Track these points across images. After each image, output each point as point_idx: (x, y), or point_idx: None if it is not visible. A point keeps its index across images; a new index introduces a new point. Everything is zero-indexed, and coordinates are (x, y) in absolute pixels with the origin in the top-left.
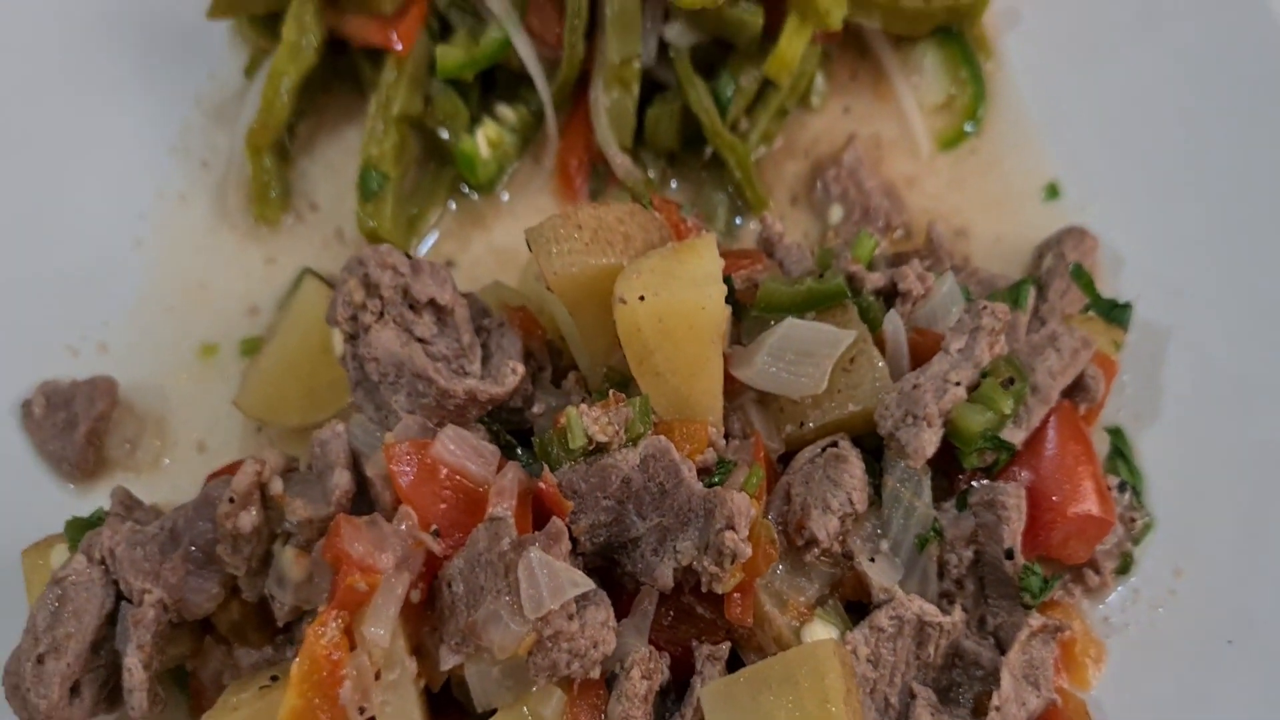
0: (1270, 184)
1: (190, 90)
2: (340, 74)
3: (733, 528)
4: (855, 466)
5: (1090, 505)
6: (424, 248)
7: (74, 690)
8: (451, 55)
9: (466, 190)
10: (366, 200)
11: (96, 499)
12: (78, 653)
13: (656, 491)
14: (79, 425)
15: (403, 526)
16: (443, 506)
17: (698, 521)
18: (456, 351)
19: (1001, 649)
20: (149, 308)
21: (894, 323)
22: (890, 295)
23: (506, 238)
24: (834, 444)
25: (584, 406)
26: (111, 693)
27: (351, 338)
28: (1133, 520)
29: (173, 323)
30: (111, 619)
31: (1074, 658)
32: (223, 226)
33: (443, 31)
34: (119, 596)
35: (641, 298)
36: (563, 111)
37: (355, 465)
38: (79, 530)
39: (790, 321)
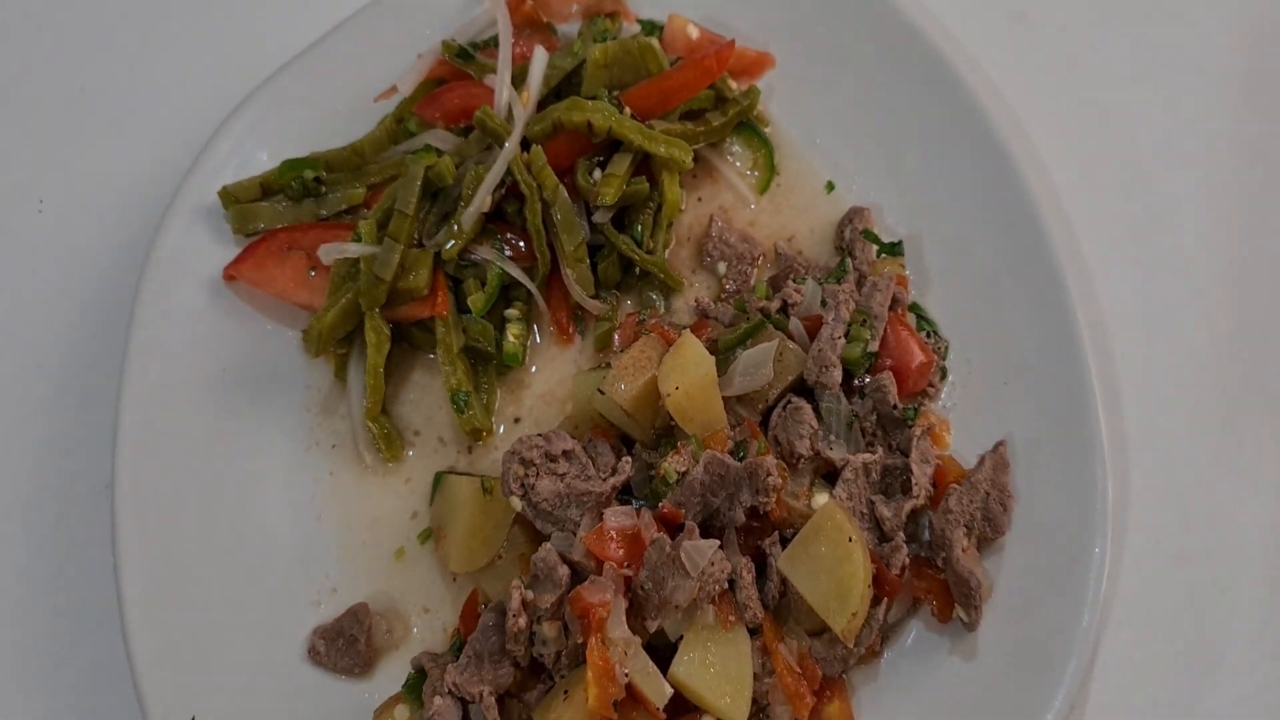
0: (938, 129)
1: (298, 403)
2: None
3: (771, 474)
4: (806, 409)
5: (920, 356)
6: (501, 420)
7: None
8: (479, 300)
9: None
10: (461, 413)
11: (380, 676)
12: None
13: (718, 479)
14: (359, 641)
15: (609, 575)
16: (621, 552)
17: (746, 482)
18: (582, 469)
19: (905, 454)
20: (350, 553)
21: (795, 324)
22: (784, 308)
23: (543, 387)
24: (789, 401)
25: (670, 457)
26: None
27: (524, 496)
28: (938, 348)
29: (369, 552)
30: (465, 713)
31: (937, 436)
32: (367, 476)
33: (454, 284)
34: (464, 704)
35: (677, 387)
36: (543, 290)
37: (564, 560)
38: (413, 689)
39: (744, 354)
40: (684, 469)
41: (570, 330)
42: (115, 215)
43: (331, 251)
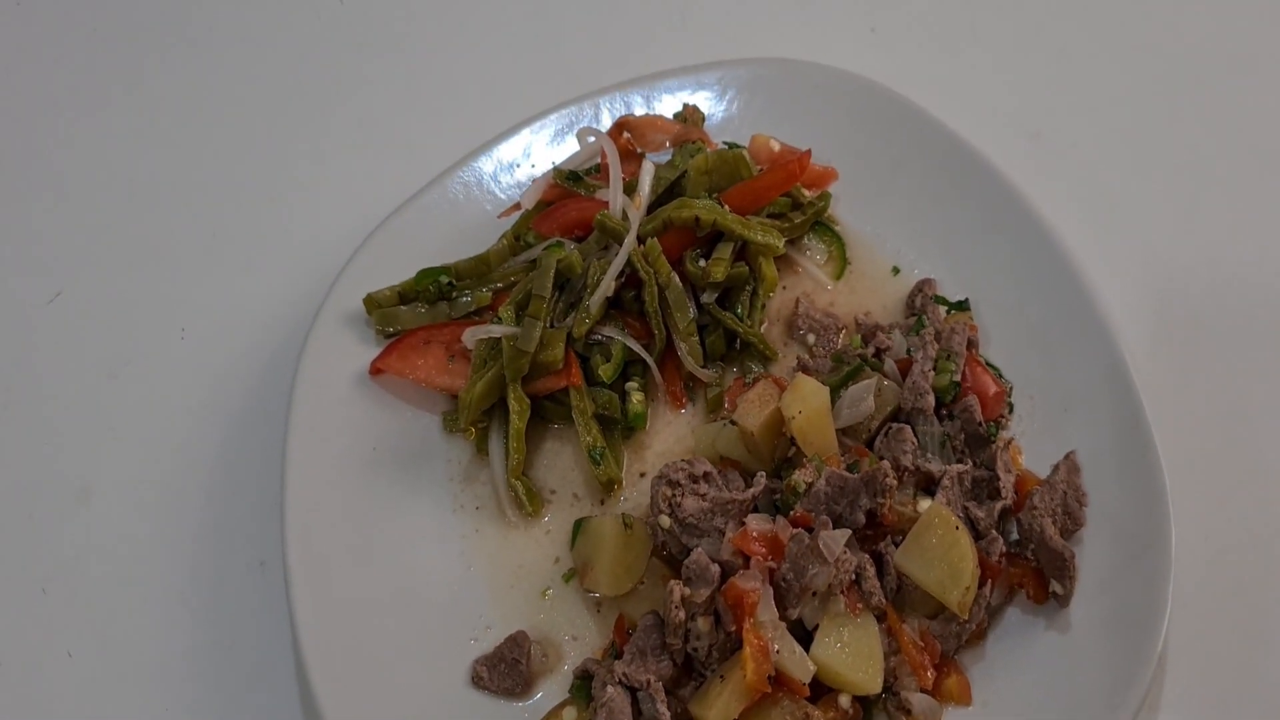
0: (983, 216)
1: (441, 474)
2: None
3: (889, 475)
4: (906, 430)
5: (994, 387)
6: (628, 477)
7: None
8: (609, 369)
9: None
10: (598, 465)
11: (538, 697)
12: None
13: (839, 489)
14: (520, 663)
15: (756, 567)
16: (763, 550)
17: (864, 488)
18: (720, 488)
19: (989, 468)
20: (500, 595)
21: (889, 364)
22: (876, 354)
23: (662, 446)
24: (890, 428)
25: (796, 472)
26: None
27: (671, 514)
28: (1005, 388)
29: (518, 593)
30: (635, 700)
31: (1013, 454)
32: (510, 531)
33: (582, 361)
34: (633, 691)
35: (800, 412)
36: (658, 363)
37: (714, 560)
38: (579, 691)
39: (848, 390)
40: (810, 480)
41: (683, 398)
42: (251, 339)
43: (477, 333)
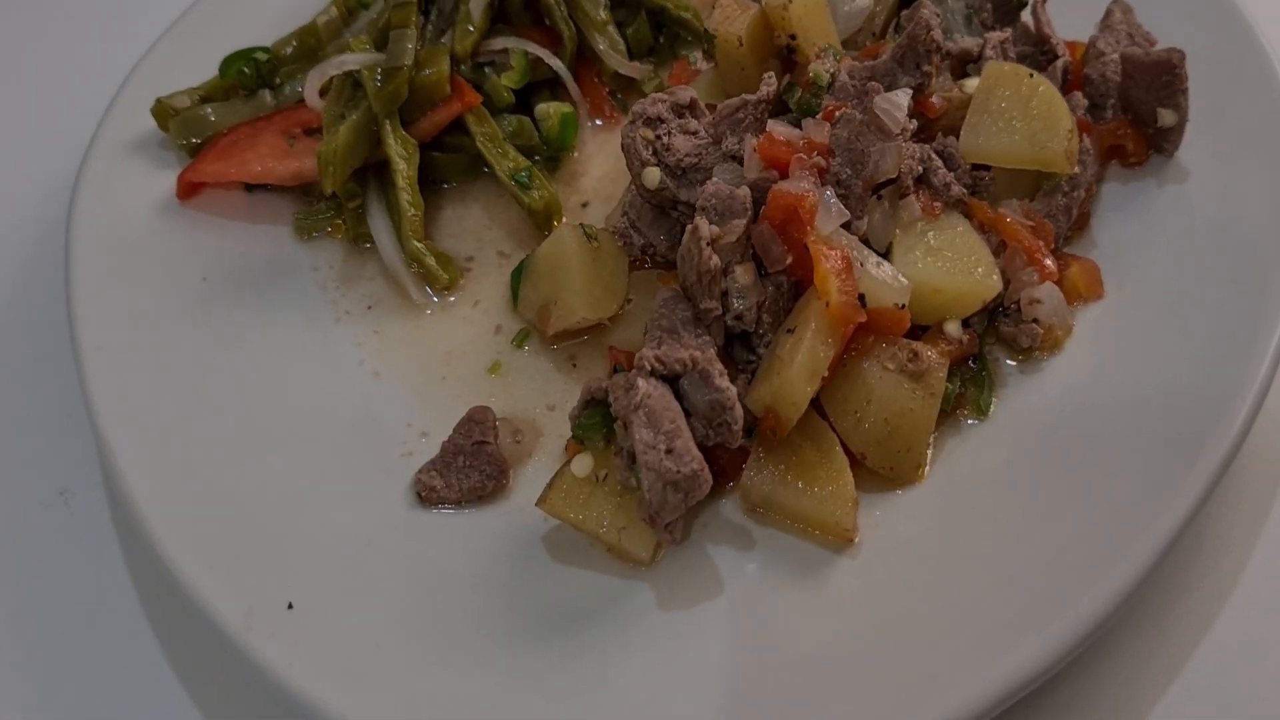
0: None
1: (310, 285)
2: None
3: (932, 28)
4: (925, 7)
5: None
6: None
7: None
8: (512, 76)
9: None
10: (526, 190)
11: (516, 496)
12: (682, 425)
13: (865, 77)
14: (486, 444)
15: (799, 167)
16: (792, 153)
17: (898, 67)
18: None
19: (1033, 41)
20: (430, 393)
21: None
22: None
23: (600, 169)
24: (898, 19)
25: (812, 64)
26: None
27: (659, 161)
28: None
29: (456, 384)
30: (677, 395)
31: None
32: (423, 318)
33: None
34: (673, 379)
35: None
36: (571, 72)
37: None
38: (591, 427)
39: None
40: (834, 69)
41: (611, 108)
42: None
43: (326, 69)
